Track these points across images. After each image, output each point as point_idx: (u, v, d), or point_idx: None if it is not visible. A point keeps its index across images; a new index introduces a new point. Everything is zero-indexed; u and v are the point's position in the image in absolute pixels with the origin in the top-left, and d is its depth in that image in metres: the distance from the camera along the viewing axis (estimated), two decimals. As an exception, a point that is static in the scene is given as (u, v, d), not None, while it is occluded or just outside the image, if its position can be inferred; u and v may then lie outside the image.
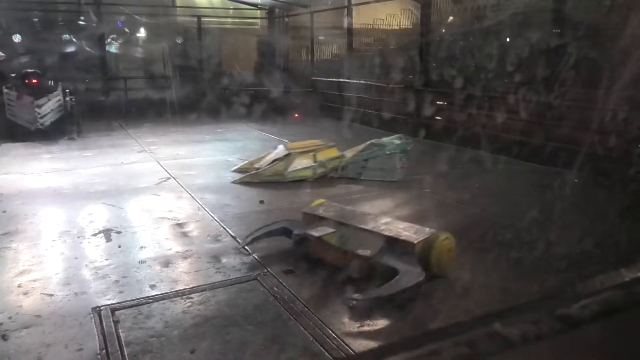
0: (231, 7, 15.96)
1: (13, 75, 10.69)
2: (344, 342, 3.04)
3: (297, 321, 3.26)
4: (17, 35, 12.77)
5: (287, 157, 6.94)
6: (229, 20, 16.36)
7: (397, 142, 7.18)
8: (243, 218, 5.39)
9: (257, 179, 6.76)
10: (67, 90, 10.38)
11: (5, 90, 10.02)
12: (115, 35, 14.57)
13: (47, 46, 13.10)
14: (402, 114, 10.18)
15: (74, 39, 13.84)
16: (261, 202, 5.90)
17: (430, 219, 4.88)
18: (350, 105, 12.11)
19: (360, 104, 11.77)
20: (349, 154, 7.17)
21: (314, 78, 13.94)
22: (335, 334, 3.11)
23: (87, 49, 13.97)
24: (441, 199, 6.09)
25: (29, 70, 10.33)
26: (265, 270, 4.02)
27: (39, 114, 9.84)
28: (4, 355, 2.90)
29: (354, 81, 12.09)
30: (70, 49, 13.69)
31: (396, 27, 11.78)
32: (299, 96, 13.70)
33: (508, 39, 8.78)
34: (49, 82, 10.39)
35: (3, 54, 11.93)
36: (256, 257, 4.30)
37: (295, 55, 15.55)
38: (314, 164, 6.93)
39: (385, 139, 7.31)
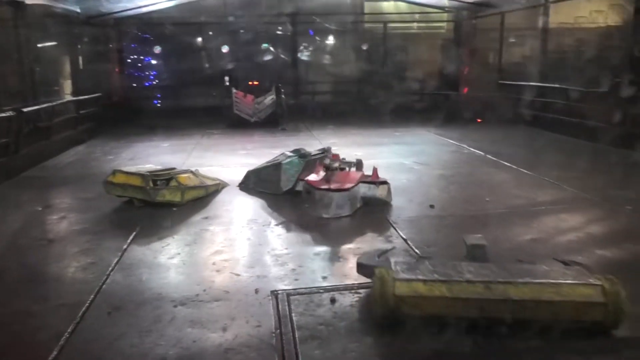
0: (418, 12, 15.95)
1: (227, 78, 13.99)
2: None
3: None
4: (225, 46, 14.80)
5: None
6: (415, 24, 16.38)
7: (288, 155, 6.53)
8: (414, 221, 5.36)
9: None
10: (282, 90, 12.89)
11: (233, 91, 12.96)
12: (306, 43, 15.70)
13: (250, 54, 14.87)
14: (603, 122, 9.07)
15: (271, 48, 15.31)
16: (431, 206, 5.78)
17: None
18: (541, 111, 11.20)
19: (553, 109, 10.81)
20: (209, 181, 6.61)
21: (501, 82, 13.19)
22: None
23: (282, 56, 15.31)
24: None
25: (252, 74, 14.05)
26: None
27: (257, 109, 12.70)
28: (196, 322, 3.32)
29: (547, 85, 11.13)
30: (268, 57, 15.24)
31: (602, 25, 10.55)
32: (483, 101, 13.12)
33: None
34: (266, 84, 13.57)
35: (232, 64, 14.71)
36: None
37: (481, 59, 14.91)
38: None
39: (289, 152, 6.69)
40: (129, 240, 4.83)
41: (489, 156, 8.63)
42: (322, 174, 5.84)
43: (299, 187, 6.10)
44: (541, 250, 4.45)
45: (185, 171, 6.39)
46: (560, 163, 7.97)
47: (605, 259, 4.25)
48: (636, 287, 3.75)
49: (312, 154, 6.73)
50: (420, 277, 3.13)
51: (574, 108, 10.17)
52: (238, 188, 6.73)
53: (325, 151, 6.96)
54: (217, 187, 6.66)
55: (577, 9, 11.11)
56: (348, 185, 5.60)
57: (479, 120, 12.75)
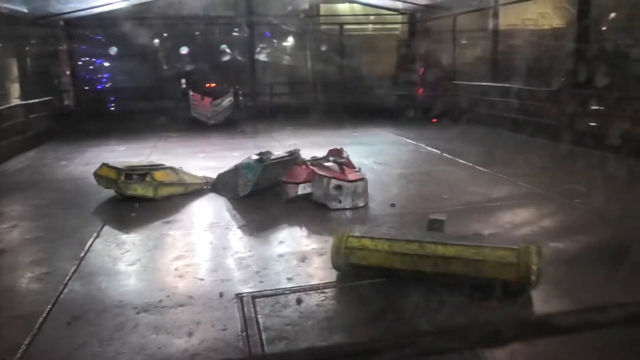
0: (373, 14, 16.16)
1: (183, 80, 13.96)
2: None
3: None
4: (185, 47, 14.55)
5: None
6: (370, 26, 16.59)
7: (254, 158, 6.54)
8: (376, 220, 5.44)
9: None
10: (240, 92, 12.99)
11: (190, 93, 12.80)
12: (264, 45, 15.65)
13: (207, 56, 14.69)
14: (553, 120, 9.47)
15: (228, 50, 15.17)
16: (392, 205, 5.88)
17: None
18: (493, 110, 11.56)
19: (505, 108, 11.18)
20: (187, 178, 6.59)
21: (455, 82, 13.54)
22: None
23: (240, 58, 15.20)
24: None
25: (210, 76, 13.87)
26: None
27: (215, 111, 12.60)
28: (161, 328, 3.27)
29: (499, 85, 11.51)
30: (225, 58, 15.09)
31: (547, 27, 11.00)
32: (438, 100, 13.41)
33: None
34: (224, 86, 13.48)
35: (189, 66, 14.44)
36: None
37: (435, 60, 15.25)
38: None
39: (255, 156, 6.67)
40: (86, 248, 4.69)
41: (446, 155, 8.84)
42: (329, 169, 6.02)
43: (308, 191, 5.99)
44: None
45: (165, 167, 6.39)
46: (514, 160, 8.25)
47: (557, 250, 4.43)
48: (584, 276, 3.95)
49: (272, 157, 6.69)
50: (369, 235, 3.74)
51: (525, 107, 10.56)
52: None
53: (293, 154, 6.94)
54: (202, 186, 6.64)
55: (525, 12, 11.54)
56: (362, 174, 6.10)
57: (434, 120, 13.03)
